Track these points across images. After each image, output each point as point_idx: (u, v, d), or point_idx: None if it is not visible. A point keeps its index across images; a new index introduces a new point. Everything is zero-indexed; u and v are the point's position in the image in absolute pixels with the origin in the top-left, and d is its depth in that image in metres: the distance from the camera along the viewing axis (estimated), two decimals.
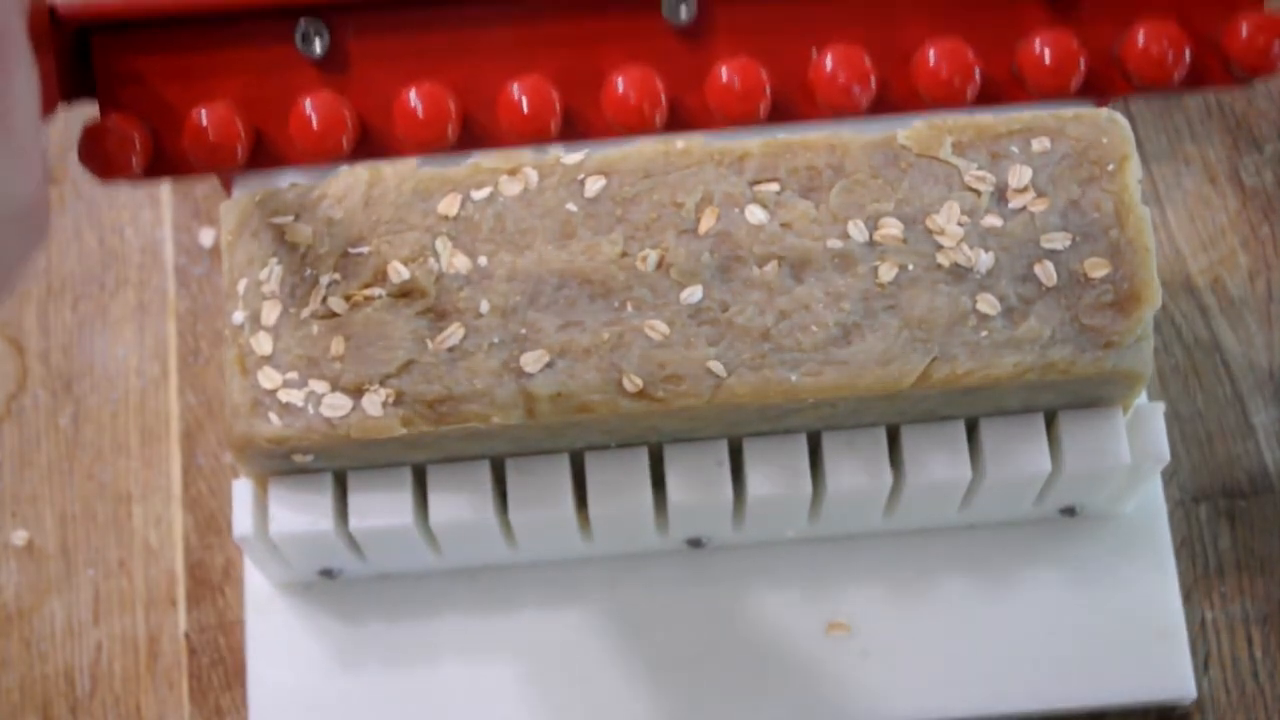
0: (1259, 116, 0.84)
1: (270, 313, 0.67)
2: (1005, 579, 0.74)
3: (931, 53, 0.53)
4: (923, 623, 0.73)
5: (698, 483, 0.69)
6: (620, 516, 0.69)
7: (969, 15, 0.54)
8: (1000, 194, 0.68)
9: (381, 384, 0.66)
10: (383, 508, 0.69)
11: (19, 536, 0.79)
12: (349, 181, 0.69)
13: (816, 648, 0.73)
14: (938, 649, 0.73)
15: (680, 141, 0.68)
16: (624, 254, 0.67)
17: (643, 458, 0.69)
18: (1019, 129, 0.68)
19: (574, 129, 0.54)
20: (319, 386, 0.66)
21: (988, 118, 0.69)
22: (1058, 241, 0.67)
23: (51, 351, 0.83)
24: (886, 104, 0.54)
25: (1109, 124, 0.69)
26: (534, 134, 0.52)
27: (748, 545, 0.74)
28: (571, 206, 0.68)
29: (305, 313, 0.67)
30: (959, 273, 0.67)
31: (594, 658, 0.73)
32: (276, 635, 0.74)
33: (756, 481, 0.69)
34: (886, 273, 0.66)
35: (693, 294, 0.66)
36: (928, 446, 0.69)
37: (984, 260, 0.67)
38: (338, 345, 0.66)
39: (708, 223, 0.67)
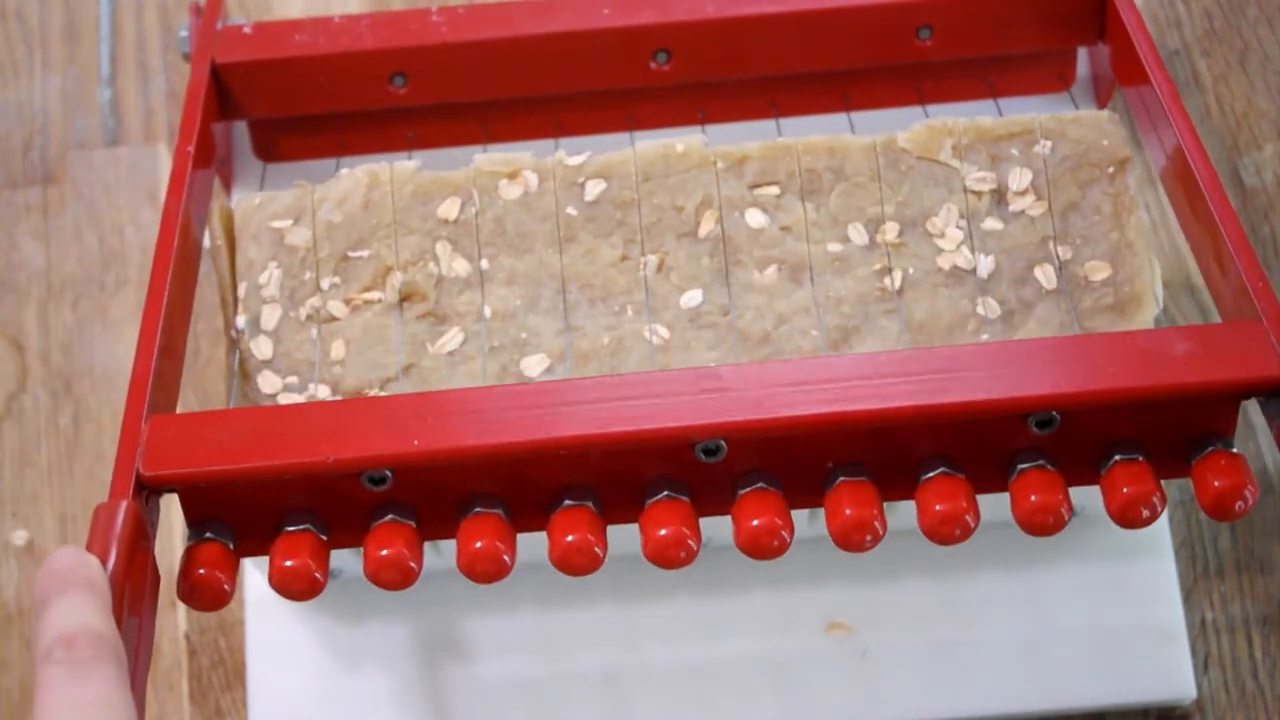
0: (1259, 116, 0.84)
1: (270, 317, 0.67)
2: (1005, 579, 0.74)
3: (937, 506, 0.60)
4: (923, 623, 0.73)
5: None
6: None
7: (966, 439, 0.60)
8: (1000, 196, 0.68)
9: (382, 388, 0.66)
10: None
11: (19, 536, 0.79)
12: (348, 185, 0.69)
13: (816, 648, 0.73)
14: (938, 649, 0.73)
15: (680, 144, 0.68)
16: (624, 257, 0.67)
17: None
18: (1019, 131, 0.68)
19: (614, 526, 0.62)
20: (319, 391, 0.66)
21: (988, 120, 0.69)
22: (1058, 244, 0.67)
23: (51, 351, 0.82)
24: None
25: (1109, 126, 0.69)
26: (585, 563, 0.61)
27: None
28: (571, 210, 0.68)
29: (305, 316, 0.67)
30: (959, 276, 0.67)
31: (594, 658, 0.73)
32: (276, 635, 0.74)
33: None
34: (886, 276, 0.66)
35: (692, 298, 0.66)
36: None
37: (984, 263, 0.67)
38: (338, 349, 0.66)
39: (707, 226, 0.67)
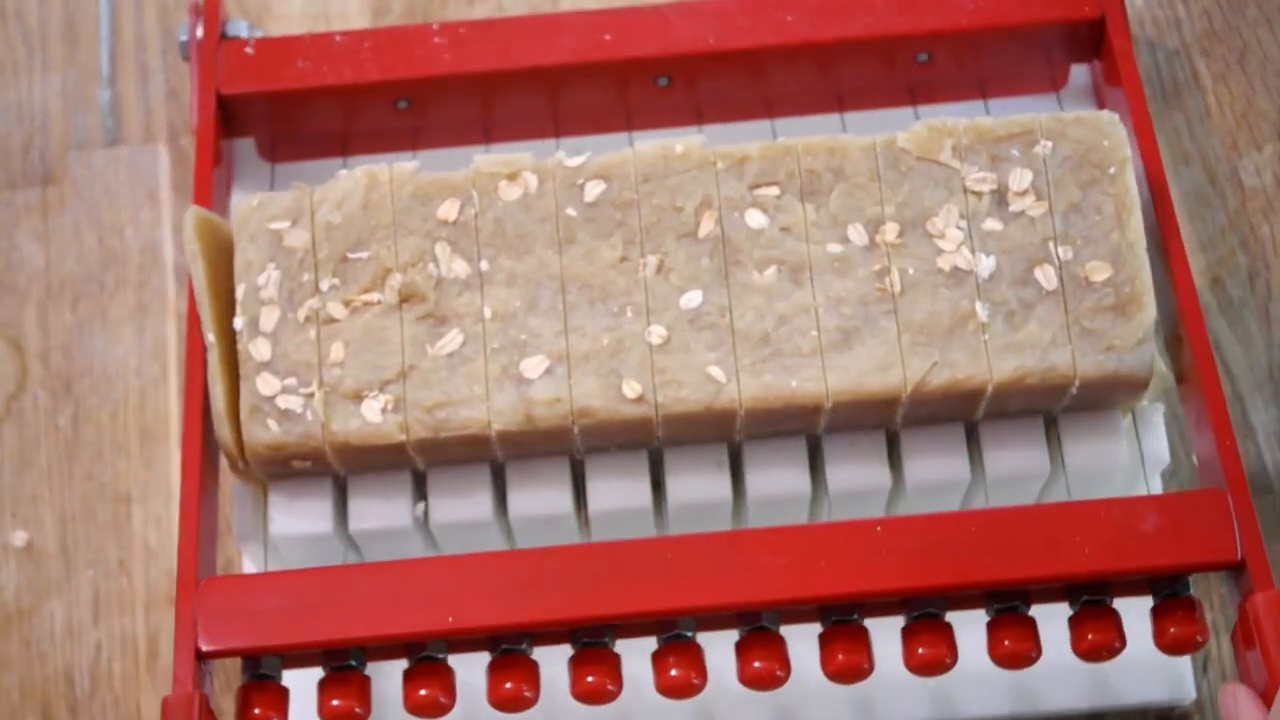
0: (1259, 117, 0.84)
1: (269, 318, 0.67)
2: None
3: (920, 650, 0.66)
4: None
5: (697, 485, 0.69)
6: (620, 518, 0.69)
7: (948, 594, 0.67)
8: (1001, 197, 0.68)
9: (381, 390, 0.66)
10: (383, 510, 0.69)
11: (19, 536, 0.79)
12: (347, 186, 0.69)
13: (816, 650, 0.73)
14: None
15: (679, 145, 0.68)
16: (623, 258, 0.67)
17: (642, 459, 0.69)
18: (1019, 132, 0.68)
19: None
20: (318, 392, 0.66)
21: (988, 121, 0.69)
22: (1058, 245, 0.67)
23: (51, 351, 0.82)
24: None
25: (1110, 126, 0.69)
26: (604, 699, 0.67)
27: None
28: (571, 211, 0.68)
29: (304, 318, 0.67)
30: (959, 276, 0.67)
31: None
32: None
33: (756, 483, 0.69)
34: (886, 277, 0.66)
35: (692, 299, 0.66)
36: (927, 448, 0.69)
37: (985, 264, 0.67)
38: (337, 351, 0.66)
39: (707, 227, 0.67)
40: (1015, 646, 0.66)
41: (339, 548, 0.70)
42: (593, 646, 0.66)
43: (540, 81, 0.76)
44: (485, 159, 0.69)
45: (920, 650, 0.66)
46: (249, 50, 0.75)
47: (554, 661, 0.67)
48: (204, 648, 0.64)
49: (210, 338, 0.67)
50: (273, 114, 0.76)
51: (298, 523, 0.69)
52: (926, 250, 0.67)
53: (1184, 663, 0.73)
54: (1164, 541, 0.65)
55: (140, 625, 0.78)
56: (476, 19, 0.77)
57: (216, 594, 0.65)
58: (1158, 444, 0.70)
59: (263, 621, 0.65)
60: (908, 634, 0.67)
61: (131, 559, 0.79)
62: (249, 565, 0.74)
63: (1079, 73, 0.79)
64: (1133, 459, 0.70)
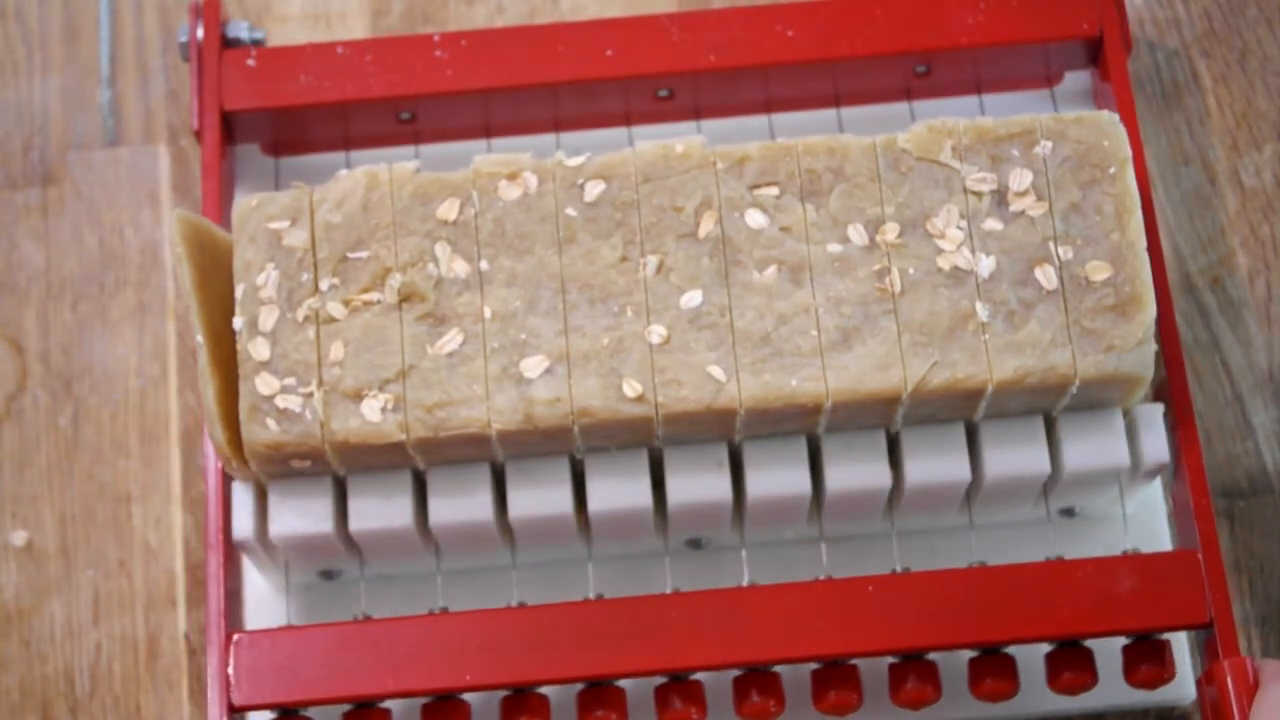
0: (1259, 117, 0.84)
1: (268, 318, 0.67)
2: None
3: (909, 684, 0.69)
4: None
5: (697, 485, 0.69)
6: (620, 518, 0.69)
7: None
8: (1001, 197, 0.68)
9: (381, 389, 0.66)
10: (383, 510, 0.69)
11: (19, 536, 0.79)
12: (347, 185, 0.69)
13: None
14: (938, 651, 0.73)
15: (680, 145, 0.68)
16: (623, 258, 0.67)
17: (643, 459, 0.69)
18: (1019, 132, 0.68)
19: None
20: (317, 392, 0.66)
21: (988, 121, 0.69)
22: (1058, 245, 0.67)
23: (51, 351, 0.82)
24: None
25: (1110, 127, 0.69)
26: None
27: (748, 546, 0.74)
28: (571, 211, 0.68)
29: (303, 318, 0.67)
30: (959, 276, 0.67)
31: None
32: None
33: (756, 483, 0.69)
34: (886, 277, 0.66)
35: (692, 298, 0.66)
36: (927, 448, 0.69)
37: (985, 264, 0.67)
38: (337, 350, 0.66)
39: (707, 227, 0.67)
40: (995, 686, 0.69)
41: (339, 547, 0.70)
42: (599, 686, 0.68)
43: (541, 95, 0.76)
44: (485, 159, 0.69)
45: (909, 685, 0.69)
46: (251, 62, 0.76)
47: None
48: (236, 702, 0.67)
49: (199, 338, 0.67)
50: (276, 126, 0.77)
51: (298, 523, 0.69)
52: (926, 250, 0.67)
53: (1184, 663, 0.72)
54: (1138, 603, 0.67)
55: (140, 625, 0.78)
56: (477, 29, 0.77)
57: (245, 651, 0.68)
58: (1157, 444, 0.70)
59: (290, 678, 0.67)
60: (894, 672, 0.69)
61: (131, 559, 0.79)
62: (248, 566, 0.74)
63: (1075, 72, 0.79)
64: (1132, 459, 0.70)
